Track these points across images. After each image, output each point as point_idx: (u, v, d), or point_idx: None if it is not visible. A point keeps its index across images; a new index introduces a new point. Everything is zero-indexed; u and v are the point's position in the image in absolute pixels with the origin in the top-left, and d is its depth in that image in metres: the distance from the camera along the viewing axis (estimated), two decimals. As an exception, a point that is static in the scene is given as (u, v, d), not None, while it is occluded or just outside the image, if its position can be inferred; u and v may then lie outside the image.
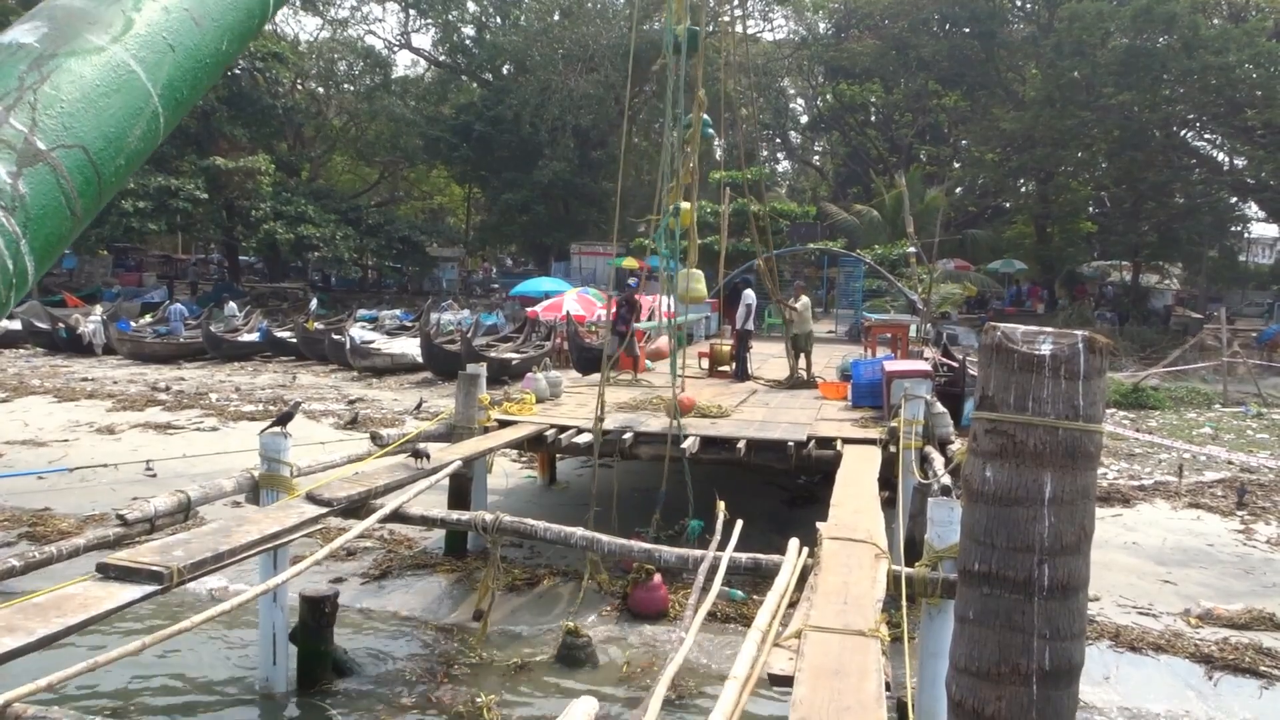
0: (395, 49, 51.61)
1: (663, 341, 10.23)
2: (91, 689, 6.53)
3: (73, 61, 1.10)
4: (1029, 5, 44.35)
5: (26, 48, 1.10)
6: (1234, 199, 39.53)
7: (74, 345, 25.56)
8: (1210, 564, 10.05)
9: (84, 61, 1.11)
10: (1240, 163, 39.29)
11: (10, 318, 28.05)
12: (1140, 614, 8.55)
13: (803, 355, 14.58)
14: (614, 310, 14.83)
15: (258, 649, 6.97)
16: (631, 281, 18.50)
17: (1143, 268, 42.64)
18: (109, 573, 4.71)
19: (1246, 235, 49.14)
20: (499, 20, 47.53)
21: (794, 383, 14.06)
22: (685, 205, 10.55)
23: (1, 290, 1.07)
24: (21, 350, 26.13)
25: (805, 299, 14.98)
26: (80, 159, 1.11)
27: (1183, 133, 38.87)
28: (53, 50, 1.11)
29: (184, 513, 6.09)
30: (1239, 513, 12.00)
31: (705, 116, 11.17)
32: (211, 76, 1.41)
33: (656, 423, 10.14)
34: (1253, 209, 41.89)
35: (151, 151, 1.33)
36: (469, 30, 48.82)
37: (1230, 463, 14.70)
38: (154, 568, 4.69)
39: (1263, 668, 7.36)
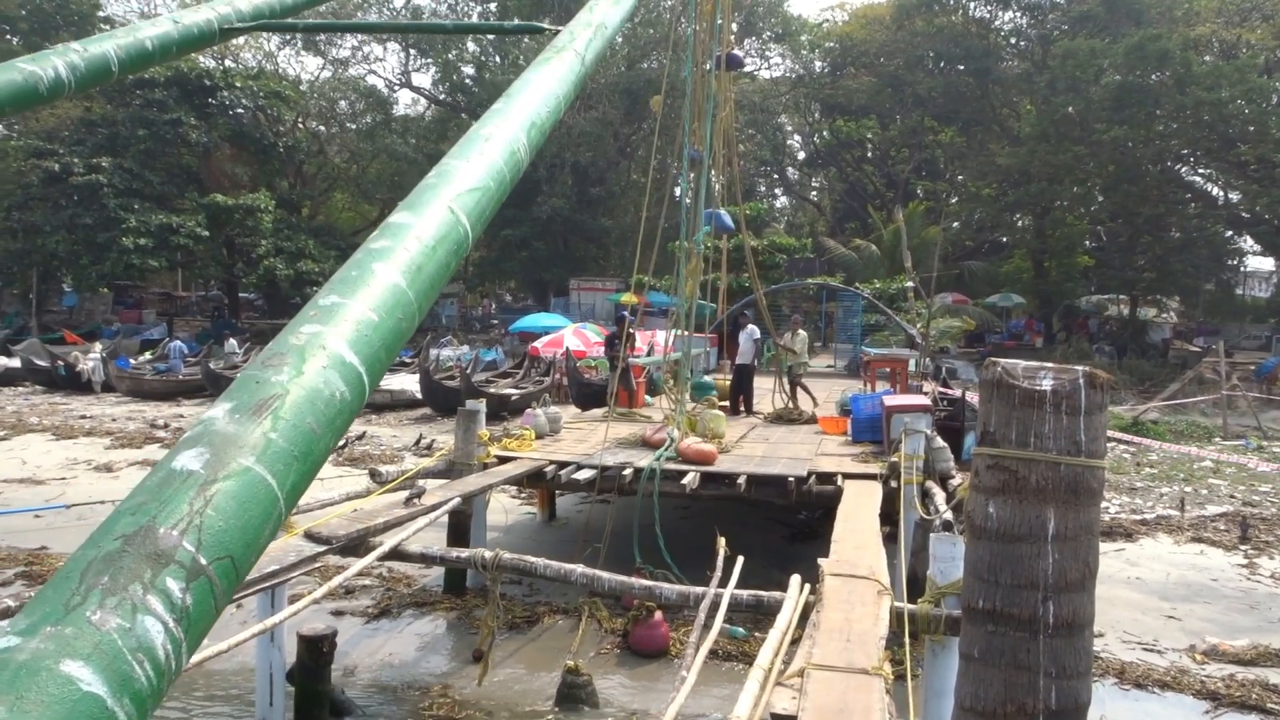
0: (396, 88, 52.18)
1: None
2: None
3: (228, 484, 1.37)
4: (1022, 43, 44.86)
5: (195, 475, 1.37)
6: (1229, 233, 39.75)
7: (73, 383, 25.51)
8: (1214, 599, 9.98)
9: (235, 482, 1.38)
10: (1235, 197, 39.56)
11: (9, 355, 28.11)
12: (1145, 650, 8.47)
13: (797, 387, 14.61)
14: (607, 345, 14.90)
15: (254, 690, 6.89)
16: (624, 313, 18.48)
17: (1140, 301, 42.83)
18: (106, 613, 4.65)
19: (1242, 269, 49.38)
20: (498, 60, 48.02)
21: (789, 416, 14.03)
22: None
23: (165, 683, 1.24)
24: (20, 388, 26.06)
25: (802, 333, 15.01)
26: (228, 566, 1.34)
27: (1177, 167, 39.16)
28: (212, 476, 1.37)
29: (182, 551, 6.04)
30: (1242, 547, 11.94)
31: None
32: (319, 469, 1.64)
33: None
34: (1248, 242, 42.13)
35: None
36: (469, 69, 49.35)
37: (1233, 497, 14.65)
38: (151, 607, 4.64)
39: (1270, 704, 7.28)
